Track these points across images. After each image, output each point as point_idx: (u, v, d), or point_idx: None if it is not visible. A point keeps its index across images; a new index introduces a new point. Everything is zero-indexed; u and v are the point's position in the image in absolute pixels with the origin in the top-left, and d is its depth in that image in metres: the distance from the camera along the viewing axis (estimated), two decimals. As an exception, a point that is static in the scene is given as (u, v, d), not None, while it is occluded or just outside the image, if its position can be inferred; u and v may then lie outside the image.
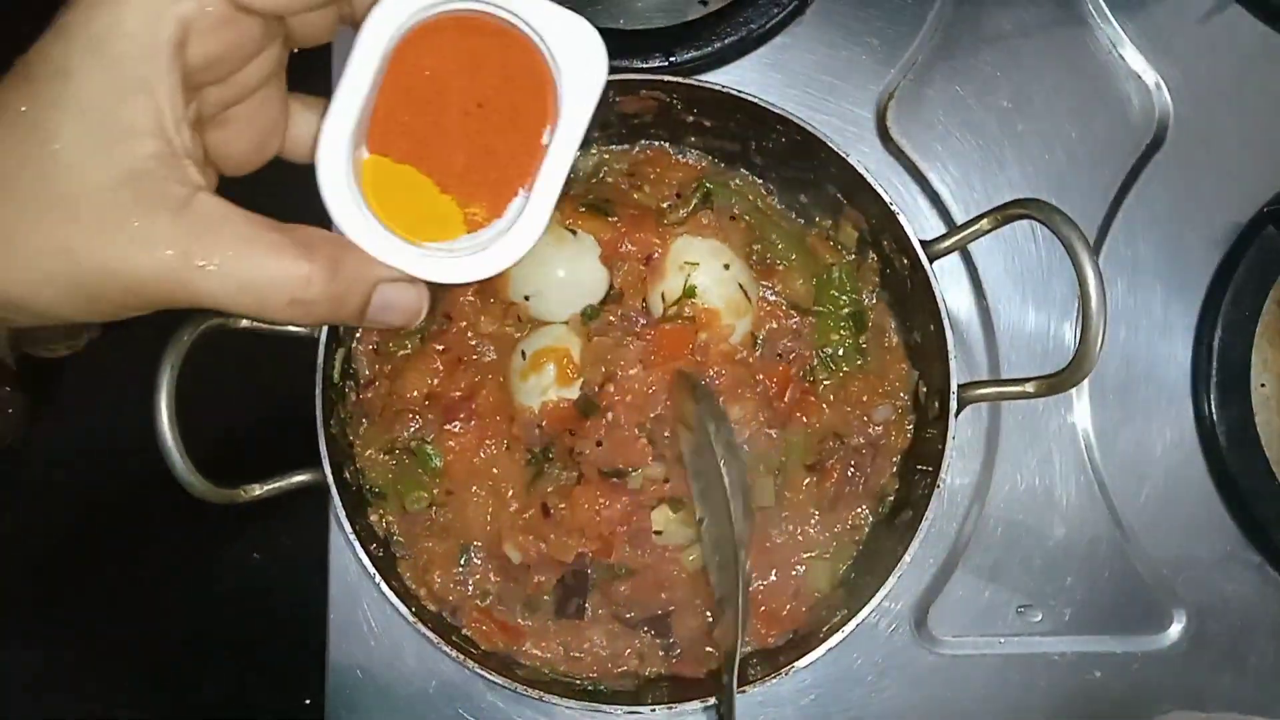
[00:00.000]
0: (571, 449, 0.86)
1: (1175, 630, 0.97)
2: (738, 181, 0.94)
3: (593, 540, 0.85)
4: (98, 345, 1.01)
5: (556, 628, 0.87)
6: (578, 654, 0.86)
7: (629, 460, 0.86)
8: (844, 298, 0.91)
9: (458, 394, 0.88)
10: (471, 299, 0.89)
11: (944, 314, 0.82)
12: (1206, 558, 0.99)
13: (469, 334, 0.89)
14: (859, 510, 0.90)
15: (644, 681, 0.87)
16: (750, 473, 0.87)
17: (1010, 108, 1.02)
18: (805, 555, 0.89)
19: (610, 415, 0.87)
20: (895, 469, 0.90)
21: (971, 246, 0.98)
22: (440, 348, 0.89)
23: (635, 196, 0.93)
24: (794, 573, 0.89)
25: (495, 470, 0.87)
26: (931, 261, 0.83)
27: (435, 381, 0.88)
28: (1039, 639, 0.97)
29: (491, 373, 0.88)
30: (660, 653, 0.88)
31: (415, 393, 0.88)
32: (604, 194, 0.93)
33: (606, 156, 0.95)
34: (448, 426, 0.87)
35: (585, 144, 0.94)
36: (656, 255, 0.88)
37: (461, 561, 0.87)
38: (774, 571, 0.88)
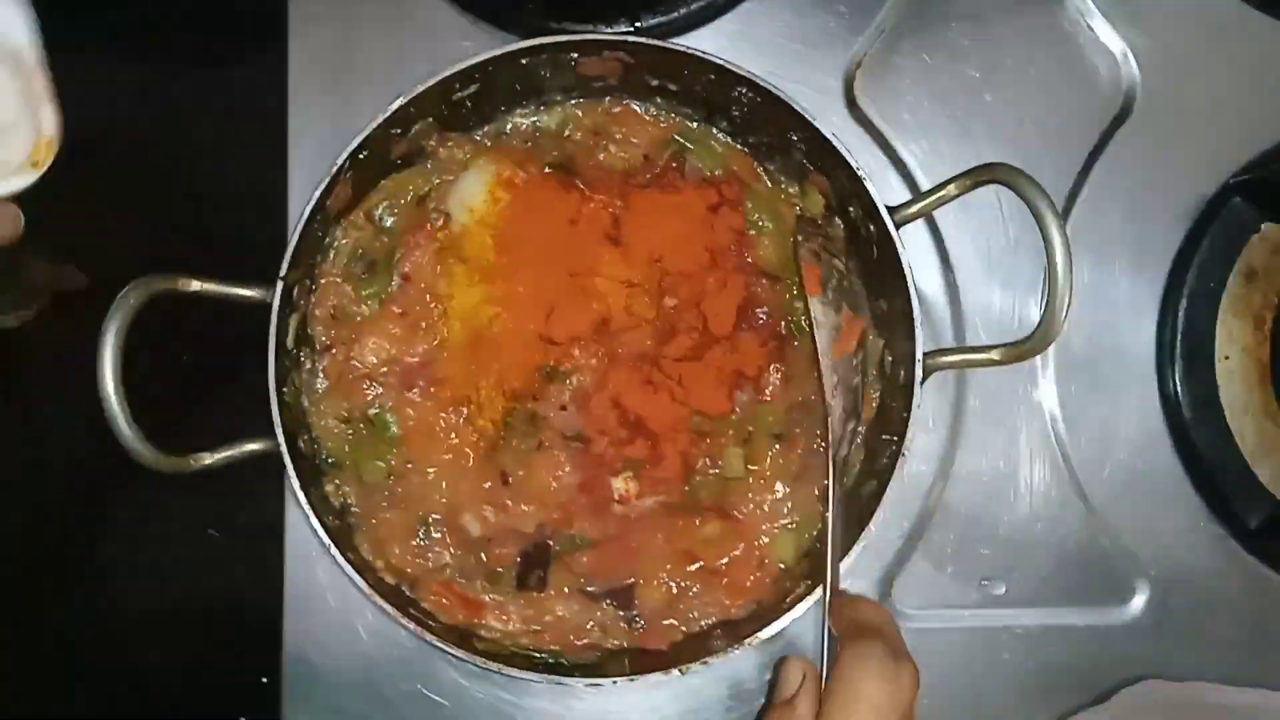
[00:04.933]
0: (534, 414, 0.85)
1: (1139, 603, 0.97)
2: (713, 142, 0.93)
3: (552, 509, 0.84)
4: (46, 317, 0.98)
5: (517, 601, 0.86)
6: (538, 627, 0.85)
7: (592, 425, 0.84)
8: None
9: (415, 360, 0.86)
10: (429, 260, 0.88)
11: (910, 280, 0.82)
12: (1170, 530, 0.98)
13: (427, 296, 0.88)
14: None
15: (606, 654, 0.85)
16: (718, 439, 0.86)
17: (978, 77, 1.01)
18: (769, 526, 0.88)
19: (574, 380, 0.86)
20: (860, 440, 0.90)
21: (939, 220, 0.98)
22: (398, 310, 0.87)
23: (601, 157, 0.92)
24: (758, 542, 0.88)
25: (455, 439, 0.86)
26: (898, 227, 0.82)
27: (392, 347, 0.87)
28: (1003, 611, 0.96)
29: (450, 338, 0.87)
30: (623, 625, 0.87)
31: (374, 359, 0.87)
32: (568, 152, 0.92)
33: (575, 112, 0.93)
34: (407, 394, 0.86)
35: (547, 103, 0.93)
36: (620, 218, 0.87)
37: (420, 534, 0.85)
38: (740, 544, 0.88)
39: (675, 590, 0.86)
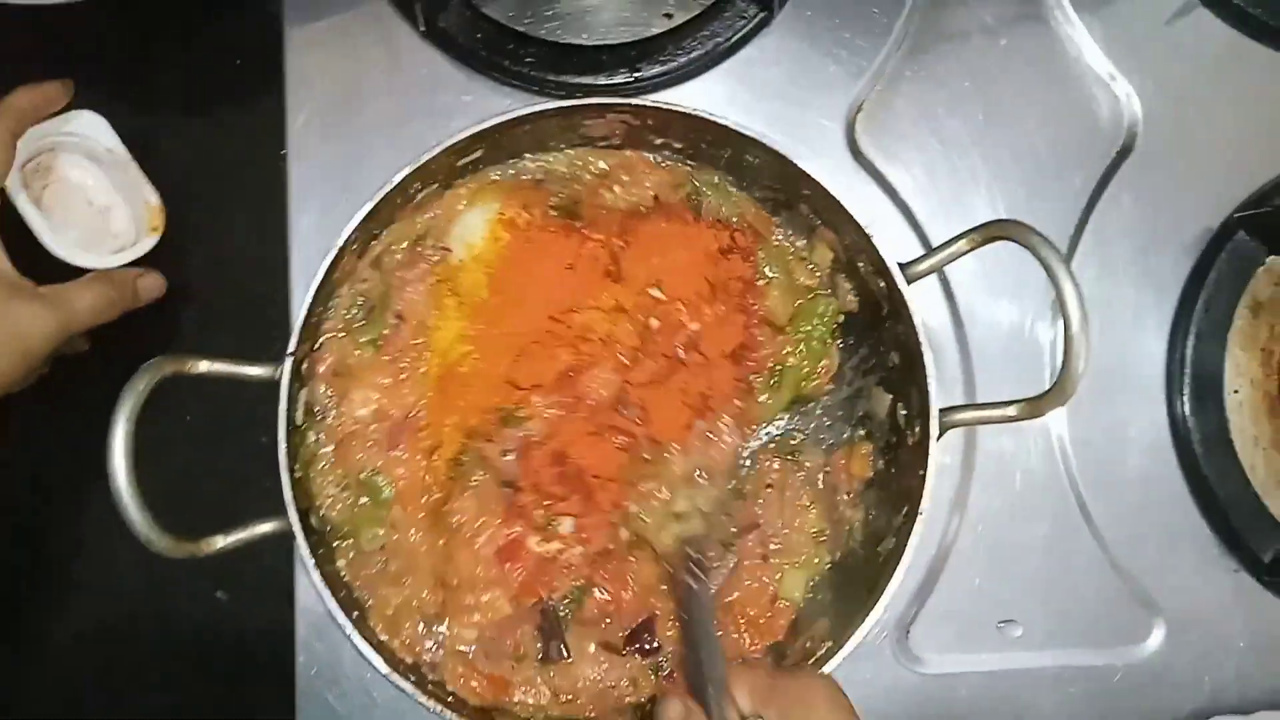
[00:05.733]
0: (482, 456, 0.85)
1: (1155, 640, 0.97)
2: (729, 189, 0.92)
3: (508, 587, 0.84)
4: (48, 384, 0.97)
5: (545, 673, 0.85)
6: (569, 695, 0.84)
7: (527, 476, 0.85)
8: (818, 328, 0.90)
9: (399, 414, 0.86)
10: (423, 294, 0.88)
11: (923, 339, 0.81)
12: (1184, 566, 0.98)
13: (415, 337, 0.87)
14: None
15: (641, 715, 0.85)
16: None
17: (980, 118, 1.00)
18: (776, 561, 0.89)
19: (526, 426, 0.86)
20: (853, 497, 0.90)
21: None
22: (387, 358, 0.87)
23: (607, 198, 0.91)
24: (766, 579, 0.89)
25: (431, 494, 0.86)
26: (910, 284, 0.81)
27: (381, 398, 0.86)
28: (1020, 654, 0.96)
29: (429, 375, 0.87)
30: (651, 675, 0.86)
31: (363, 411, 0.86)
32: (574, 193, 0.91)
33: (586, 156, 0.92)
34: (392, 453, 0.85)
35: (557, 149, 0.92)
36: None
37: (422, 627, 0.85)
38: (747, 579, 0.88)
39: None
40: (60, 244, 0.89)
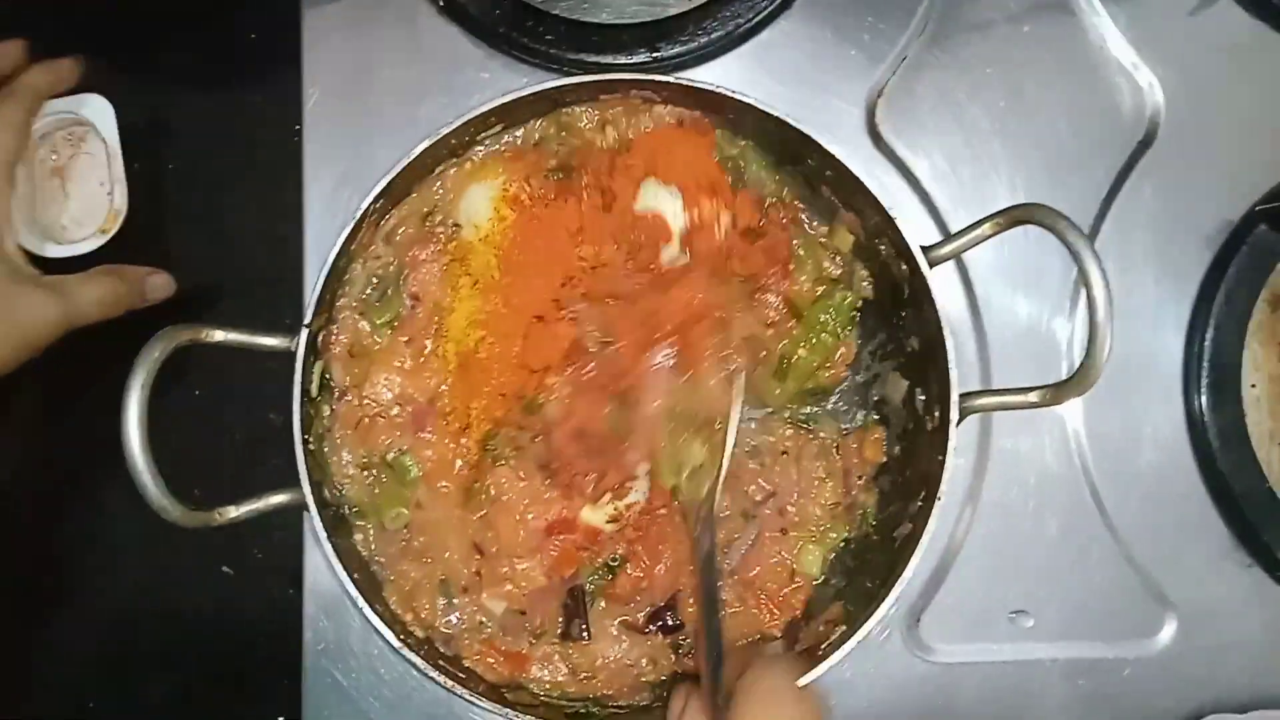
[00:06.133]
0: (514, 440, 0.85)
1: (1168, 634, 0.96)
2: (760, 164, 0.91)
3: (546, 556, 0.84)
4: (59, 354, 0.96)
5: (565, 650, 0.85)
6: (587, 674, 0.84)
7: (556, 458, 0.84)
8: (831, 321, 0.89)
9: (424, 400, 0.86)
10: (436, 274, 0.87)
11: (944, 323, 0.80)
12: (1197, 560, 0.98)
13: (432, 316, 0.87)
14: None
15: (658, 693, 0.85)
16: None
17: (1002, 105, 1.00)
18: (794, 534, 0.89)
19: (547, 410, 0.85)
20: (865, 481, 0.90)
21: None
22: (405, 339, 0.86)
23: (602, 144, 0.90)
24: (786, 555, 0.89)
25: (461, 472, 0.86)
26: (932, 268, 0.80)
27: (403, 381, 0.86)
28: (1031, 645, 0.95)
29: (447, 368, 0.87)
30: (671, 653, 0.87)
31: (387, 394, 0.86)
32: (571, 147, 0.90)
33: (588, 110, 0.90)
34: (421, 435, 0.85)
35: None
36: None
37: (444, 602, 0.84)
38: (767, 554, 0.89)
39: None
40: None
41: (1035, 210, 0.75)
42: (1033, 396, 0.78)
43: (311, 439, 0.81)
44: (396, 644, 0.75)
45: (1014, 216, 0.76)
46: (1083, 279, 0.73)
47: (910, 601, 0.95)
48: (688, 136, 0.89)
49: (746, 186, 0.90)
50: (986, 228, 0.78)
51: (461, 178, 0.89)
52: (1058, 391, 0.77)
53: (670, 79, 0.83)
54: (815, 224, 0.91)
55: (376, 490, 0.85)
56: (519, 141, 0.90)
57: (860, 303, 0.90)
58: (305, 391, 0.78)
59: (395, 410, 0.86)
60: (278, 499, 0.76)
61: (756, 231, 0.89)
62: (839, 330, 0.90)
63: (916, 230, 0.93)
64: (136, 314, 0.88)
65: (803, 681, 0.78)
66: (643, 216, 0.87)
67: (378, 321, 0.87)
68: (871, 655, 0.94)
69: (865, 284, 0.90)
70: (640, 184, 0.87)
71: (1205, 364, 0.98)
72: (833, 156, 0.81)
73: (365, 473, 0.85)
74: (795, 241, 0.89)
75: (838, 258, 0.90)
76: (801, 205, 0.91)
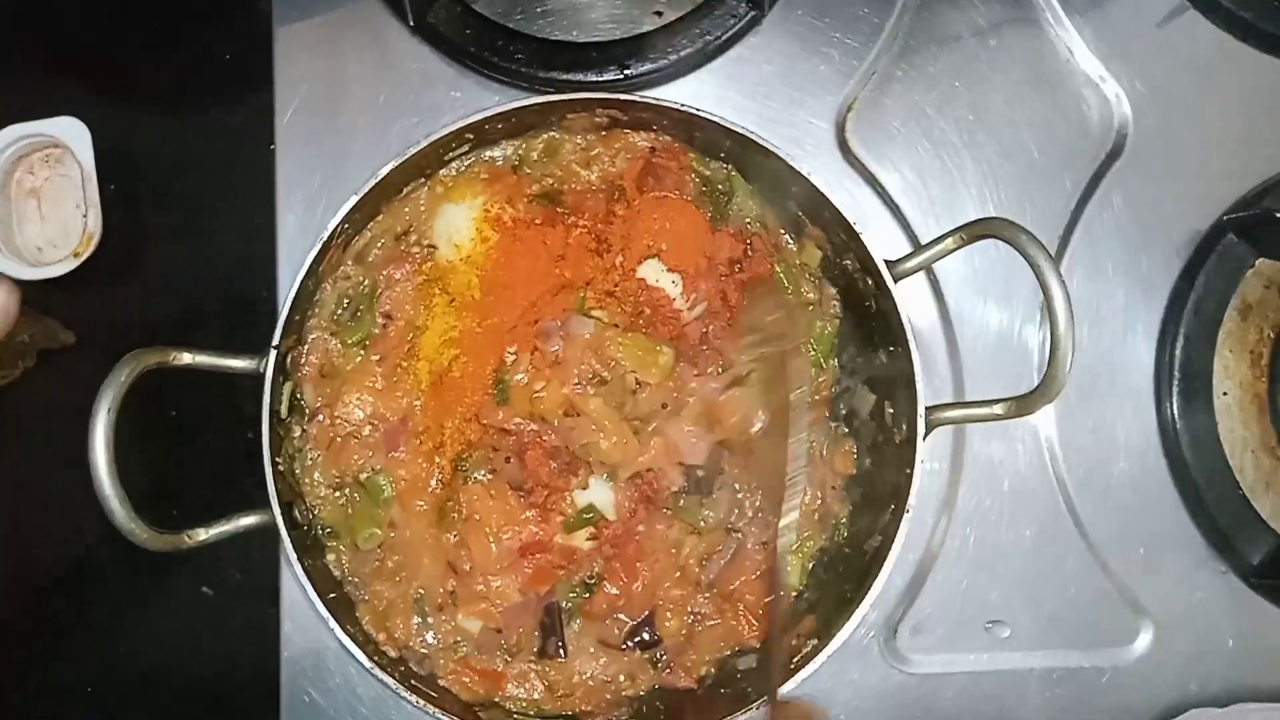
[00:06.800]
0: (488, 460, 0.85)
1: (1143, 642, 0.97)
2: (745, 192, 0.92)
3: (520, 573, 0.84)
4: (33, 376, 0.97)
5: (541, 667, 0.85)
6: (564, 691, 0.85)
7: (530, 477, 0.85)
8: (815, 356, 0.91)
9: (396, 419, 0.86)
10: (410, 293, 0.88)
11: (910, 336, 0.81)
12: (1171, 567, 0.98)
13: (405, 335, 0.87)
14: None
15: (637, 708, 0.85)
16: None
17: (971, 118, 1.01)
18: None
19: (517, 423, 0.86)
20: (837, 491, 0.90)
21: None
22: (376, 358, 0.87)
23: (585, 176, 0.91)
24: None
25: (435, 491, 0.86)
26: (896, 282, 0.81)
27: (375, 401, 0.86)
28: (1008, 654, 0.96)
29: (419, 387, 0.87)
30: (650, 668, 0.87)
31: (359, 414, 0.86)
32: (554, 175, 0.91)
33: (566, 137, 0.92)
34: (393, 454, 0.85)
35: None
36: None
37: (418, 620, 0.84)
38: (748, 565, 0.89)
39: (692, 620, 0.86)
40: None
41: (995, 224, 0.75)
42: (998, 409, 0.78)
43: (282, 460, 0.81)
44: (368, 665, 0.76)
45: (975, 231, 0.77)
46: (1043, 291, 0.73)
47: (887, 612, 0.95)
48: (685, 211, 0.90)
49: (728, 220, 0.91)
50: (949, 242, 0.78)
51: (434, 198, 0.89)
52: (1023, 403, 0.77)
53: (636, 97, 0.83)
54: (793, 246, 0.92)
55: (349, 510, 0.85)
56: (499, 161, 0.91)
57: (838, 328, 0.91)
58: (275, 412, 0.79)
59: (367, 430, 0.86)
60: (248, 521, 0.76)
61: (738, 260, 0.90)
62: (821, 360, 0.91)
63: (887, 243, 0.94)
64: (110, 336, 0.89)
65: (780, 694, 0.78)
66: (647, 285, 0.89)
67: (349, 341, 0.87)
68: (849, 667, 0.94)
69: (834, 304, 0.91)
70: (643, 261, 0.89)
71: (1176, 372, 0.99)
72: (796, 171, 0.82)
73: (338, 492, 0.85)
74: (777, 269, 0.90)
75: (812, 278, 0.91)
76: (784, 230, 0.92)
